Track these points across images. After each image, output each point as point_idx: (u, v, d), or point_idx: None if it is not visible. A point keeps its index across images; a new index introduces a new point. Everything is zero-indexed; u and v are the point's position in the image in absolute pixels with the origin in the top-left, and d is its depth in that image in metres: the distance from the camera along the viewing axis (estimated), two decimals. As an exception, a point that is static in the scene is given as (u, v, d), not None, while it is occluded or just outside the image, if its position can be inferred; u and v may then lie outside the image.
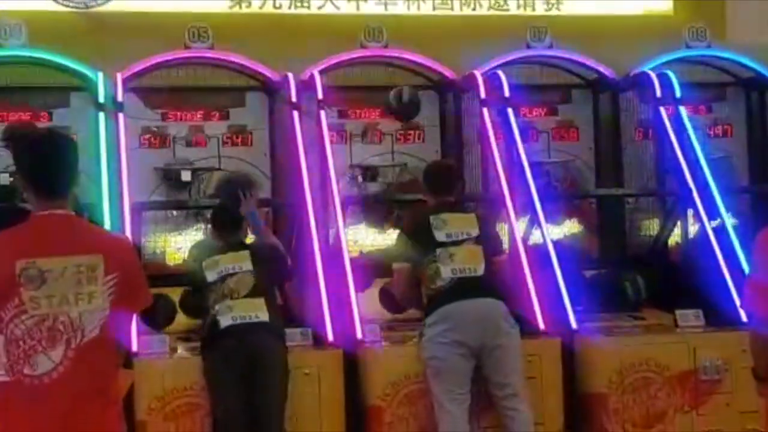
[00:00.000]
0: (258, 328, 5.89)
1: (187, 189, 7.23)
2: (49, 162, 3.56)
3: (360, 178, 7.51)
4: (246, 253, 6.13)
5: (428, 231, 6.08)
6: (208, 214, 6.67)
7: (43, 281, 3.45)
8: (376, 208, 7.48)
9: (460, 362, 5.88)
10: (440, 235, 6.07)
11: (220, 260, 6.09)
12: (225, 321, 5.88)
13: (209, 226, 6.53)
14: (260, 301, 5.95)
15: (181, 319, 6.43)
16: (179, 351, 6.19)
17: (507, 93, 7.17)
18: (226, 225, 6.26)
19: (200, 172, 7.27)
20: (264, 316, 5.92)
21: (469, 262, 6.02)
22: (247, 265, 6.05)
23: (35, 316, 3.44)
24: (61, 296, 3.46)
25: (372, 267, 6.83)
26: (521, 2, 8.58)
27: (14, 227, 3.60)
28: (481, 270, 6.03)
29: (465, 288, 5.94)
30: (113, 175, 6.51)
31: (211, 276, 6.05)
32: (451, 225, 6.11)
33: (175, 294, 6.39)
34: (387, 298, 6.65)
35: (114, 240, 3.87)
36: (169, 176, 7.23)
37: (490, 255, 6.09)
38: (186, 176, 7.22)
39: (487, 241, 6.15)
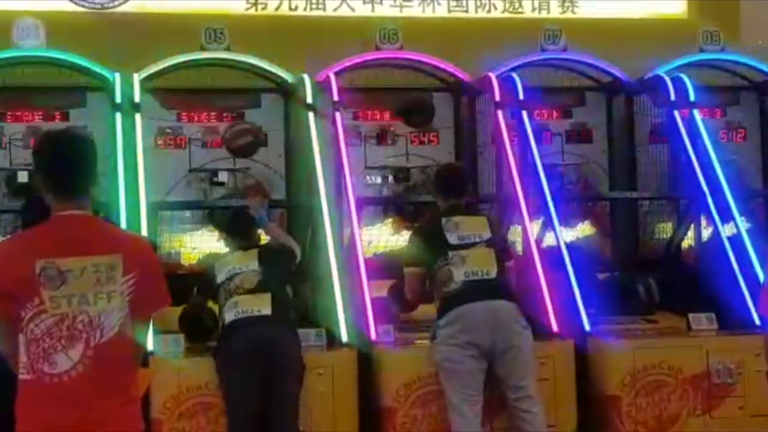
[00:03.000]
0: (261, 321, 5.89)
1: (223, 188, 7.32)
2: (69, 162, 3.58)
3: (390, 179, 7.57)
4: (254, 252, 6.19)
5: (440, 234, 6.09)
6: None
7: (63, 281, 3.47)
8: (392, 209, 7.53)
9: (472, 364, 5.87)
10: (452, 238, 6.07)
11: (230, 261, 6.17)
12: (229, 316, 5.93)
13: (223, 230, 6.51)
14: (265, 297, 5.96)
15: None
16: (193, 351, 6.22)
17: (521, 95, 7.18)
18: (240, 230, 6.34)
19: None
20: (267, 310, 5.92)
21: (481, 264, 6.02)
22: (254, 264, 6.10)
23: (55, 316, 3.45)
24: (81, 296, 3.48)
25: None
26: (536, 5, 8.62)
27: (34, 228, 3.64)
28: (493, 272, 6.02)
29: (477, 290, 5.93)
30: (130, 175, 6.55)
31: (220, 277, 6.10)
32: (463, 228, 6.11)
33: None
34: (398, 297, 6.66)
35: (133, 240, 3.88)
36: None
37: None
38: (223, 177, 7.27)
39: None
